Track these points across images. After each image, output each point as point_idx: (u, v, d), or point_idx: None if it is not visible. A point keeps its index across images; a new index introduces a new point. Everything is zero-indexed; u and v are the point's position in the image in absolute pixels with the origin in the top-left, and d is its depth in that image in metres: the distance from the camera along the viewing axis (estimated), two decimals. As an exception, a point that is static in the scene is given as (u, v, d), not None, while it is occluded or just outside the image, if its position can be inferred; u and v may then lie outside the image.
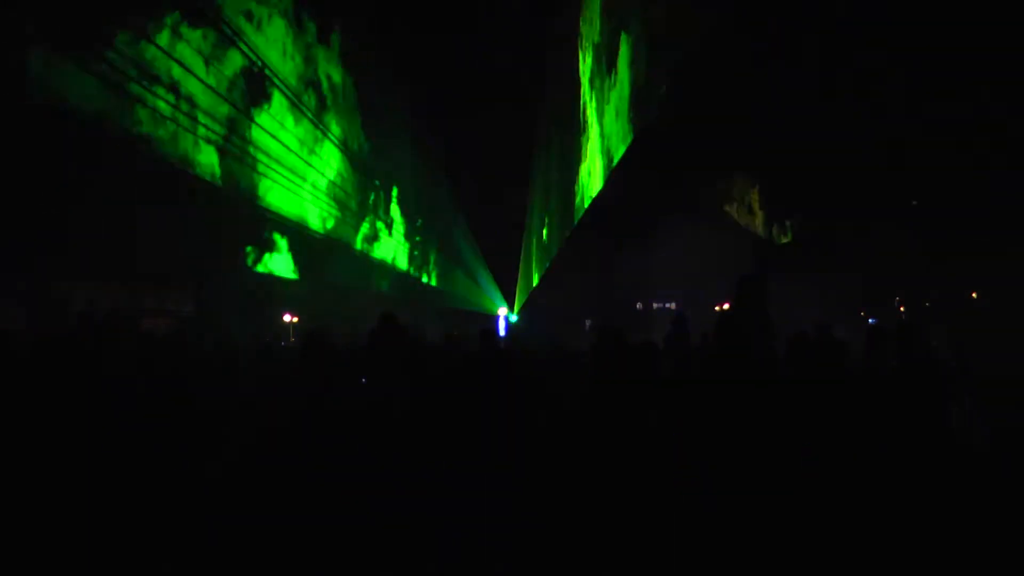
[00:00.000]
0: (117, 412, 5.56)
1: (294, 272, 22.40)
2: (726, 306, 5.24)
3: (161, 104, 15.34)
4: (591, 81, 27.96)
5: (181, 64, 15.86)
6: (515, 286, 38.60)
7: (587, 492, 4.64)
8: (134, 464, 5.33)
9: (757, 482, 4.05)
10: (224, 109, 18.59)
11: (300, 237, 23.08)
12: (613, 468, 4.55)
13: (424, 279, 37.42)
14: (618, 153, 22.50)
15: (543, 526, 4.69)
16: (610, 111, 24.14)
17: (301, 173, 23.06)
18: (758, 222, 27.66)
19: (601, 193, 27.18)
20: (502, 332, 25.65)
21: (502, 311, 34.40)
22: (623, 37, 23.03)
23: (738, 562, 3.94)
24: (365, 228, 29.85)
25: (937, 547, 3.96)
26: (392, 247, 34.00)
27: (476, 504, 5.21)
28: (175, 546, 4.59)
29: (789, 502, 4.04)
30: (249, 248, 20.02)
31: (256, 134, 20.29)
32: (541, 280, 36.70)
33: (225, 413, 7.87)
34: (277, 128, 21.58)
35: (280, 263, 21.67)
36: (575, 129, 31.77)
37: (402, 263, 34.70)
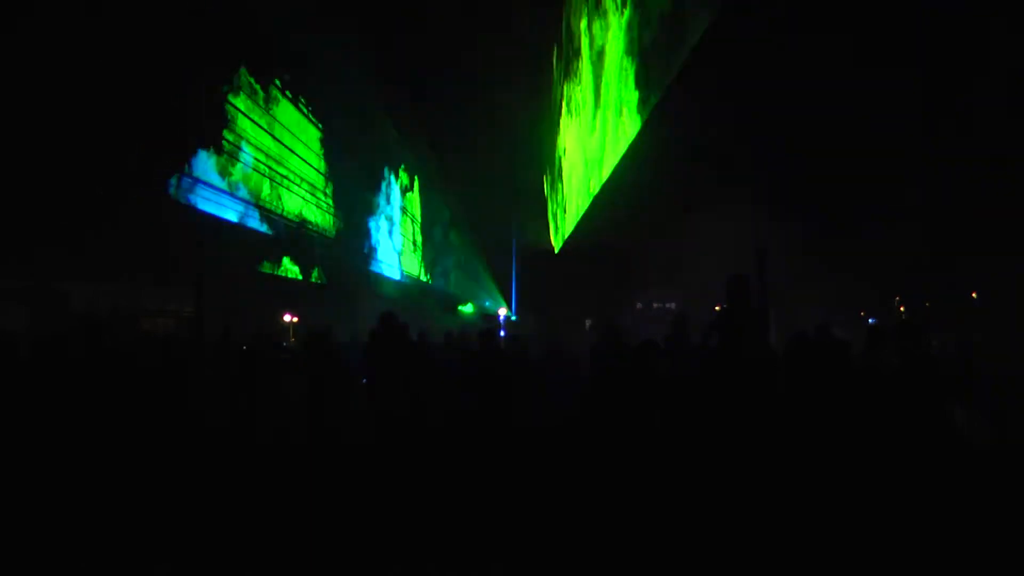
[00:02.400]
0: (117, 411, 5.56)
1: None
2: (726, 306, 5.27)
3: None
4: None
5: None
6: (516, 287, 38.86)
7: (589, 491, 4.64)
8: (134, 462, 5.33)
9: (762, 482, 4.04)
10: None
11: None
12: (615, 467, 4.55)
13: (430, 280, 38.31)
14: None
15: (544, 525, 4.69)
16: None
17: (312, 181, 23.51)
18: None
19: (602, 193, 27.19)
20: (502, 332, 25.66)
21: (502, 311, 34.66)
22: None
23: (745, 561, 3.93)
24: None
25: (940, 545, 3.95)
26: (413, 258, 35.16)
27: (476, 503, 5.21)
28: (174, 544, 4.59)
29: (793, 501, 4.04)
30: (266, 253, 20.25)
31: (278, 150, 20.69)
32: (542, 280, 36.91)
33: (226, 413, 7.87)
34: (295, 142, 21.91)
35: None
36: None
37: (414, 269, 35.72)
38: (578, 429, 5.37)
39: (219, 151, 18.03)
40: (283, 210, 21.52)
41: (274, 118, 21.09)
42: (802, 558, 3.95)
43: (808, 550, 3.96)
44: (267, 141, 20.56)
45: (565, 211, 35.12)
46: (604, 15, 22.23)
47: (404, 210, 35.64)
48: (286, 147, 21.78)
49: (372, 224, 30.18)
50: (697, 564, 4.05)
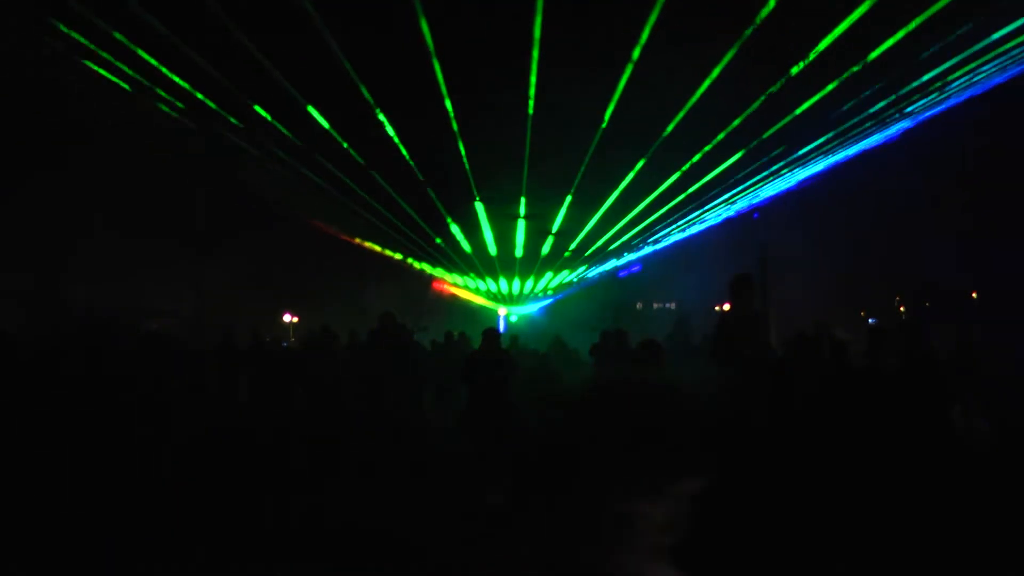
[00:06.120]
0: (117, 410, 5.56)
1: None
2: (726, 306, 5.28)
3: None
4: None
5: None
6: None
7: (592, 490, 4.64)
8: (134, 461, 5.33)
9: (763, 481, 4.05)
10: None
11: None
12: (619, 465, 4.55)
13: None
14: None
15: (545, 524, 4.69)
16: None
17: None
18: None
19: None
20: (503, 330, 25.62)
21: (502, 311, 34.54)
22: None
23: (746, 560, 3.93)
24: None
25: (940, 543, 3.95)
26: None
27: (478, 503, 5.21)
28: (171, 543, 4.59)
29: (793, 500, 4.04)
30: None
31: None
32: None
33: (224, 412, 7.87)
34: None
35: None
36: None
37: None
38: (581, 428, 5.37)
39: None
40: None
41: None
42: (803, 556, 3.95)
43: (809, 548, 3.97)
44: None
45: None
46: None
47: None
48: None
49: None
50: (699, 564, 4.05)
